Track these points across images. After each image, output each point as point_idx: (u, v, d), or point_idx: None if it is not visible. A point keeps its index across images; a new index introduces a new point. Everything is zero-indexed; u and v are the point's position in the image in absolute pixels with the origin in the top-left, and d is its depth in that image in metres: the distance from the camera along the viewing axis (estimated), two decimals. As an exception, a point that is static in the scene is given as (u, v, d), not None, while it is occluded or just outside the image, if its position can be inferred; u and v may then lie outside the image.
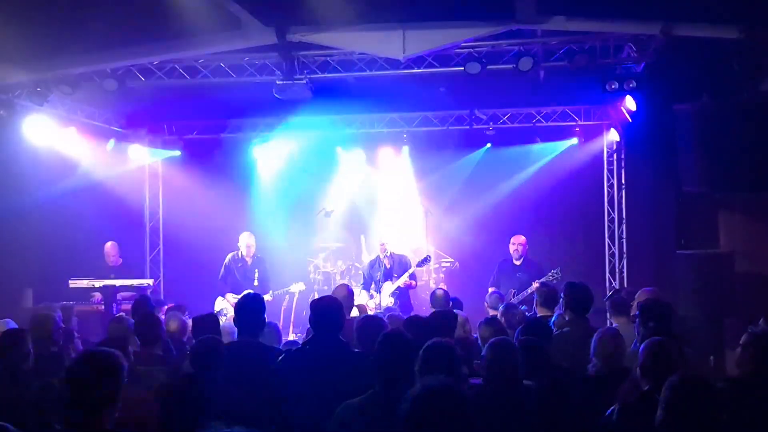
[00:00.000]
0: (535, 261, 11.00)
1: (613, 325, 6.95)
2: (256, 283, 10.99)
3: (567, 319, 6.64)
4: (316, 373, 4.75)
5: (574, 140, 12.88)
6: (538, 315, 7.43)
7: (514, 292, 10.39)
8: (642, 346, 4.51)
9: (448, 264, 12.60)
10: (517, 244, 10.96)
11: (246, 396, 4.87)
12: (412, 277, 10.83)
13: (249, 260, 11.24)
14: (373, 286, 10.88)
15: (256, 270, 11.13)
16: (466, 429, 3.03)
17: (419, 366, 4.26)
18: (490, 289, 10.30)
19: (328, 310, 5.04)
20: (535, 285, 10.16)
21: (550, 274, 10.25)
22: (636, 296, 7.32)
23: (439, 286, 11.01)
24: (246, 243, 11.28)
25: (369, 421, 3.99)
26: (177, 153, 13.54)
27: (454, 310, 7.19)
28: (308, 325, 5.55)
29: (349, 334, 5.44)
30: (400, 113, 12.78)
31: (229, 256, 11.38)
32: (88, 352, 3.80)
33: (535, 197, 13.00)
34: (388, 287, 10.61)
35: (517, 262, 10.94)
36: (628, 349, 5.61)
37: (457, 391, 3.14)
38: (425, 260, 11.15)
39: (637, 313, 6.24)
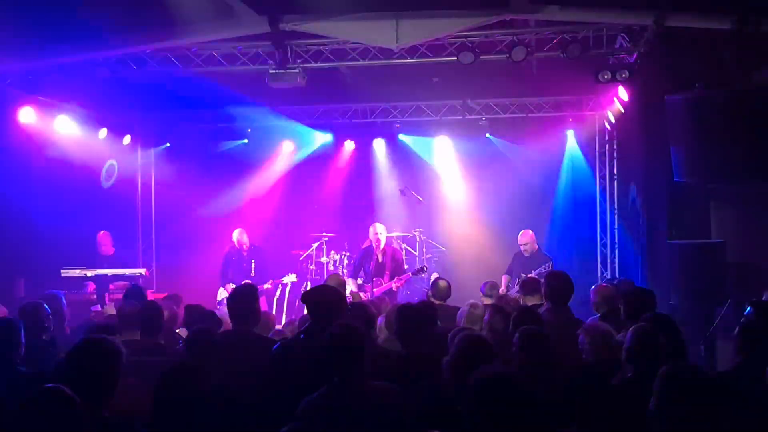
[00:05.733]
0: (546, 255, 10.97)
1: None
2: (252, 273, 11.12)
3: (546, 309, 6.67)
4: (312, 362, 4.74)
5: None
6: (529, 304, 7.44)
7: (519, 281, 10.47)
8: (629, 332, 4.54)
9: (440, 252, 12.64)
10: (523, 243, 10.95)
11: (238, 384, 4.88)
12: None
13: (244, 252, 11.36)
14: (362, 275, 10.92)
15: (252, 261, 11.25)
16: (530, 415, 3.12)
17: (453, 358, 4.28)
18: (505, 277, 10.75)
19: (327, 300, 5.04)
20: (531, 276, 10.23)
21: (542, 266, 10.30)
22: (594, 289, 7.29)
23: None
24: (236, 239, 11.46)
25: (331, 412, 4.00)
26: (167, 144, 13.58)
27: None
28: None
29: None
30: (393, 103, 12.78)
31: (228, 247, 11.57)
32: (88, 340, 3.80)
33: (526, 187, 13.03)
34: (380, 285, 10.64)
35: (527, 255, 10.96)
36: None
37: (517, 379, 3.26)
38: (421, 270, 11.16)
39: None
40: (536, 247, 10.96)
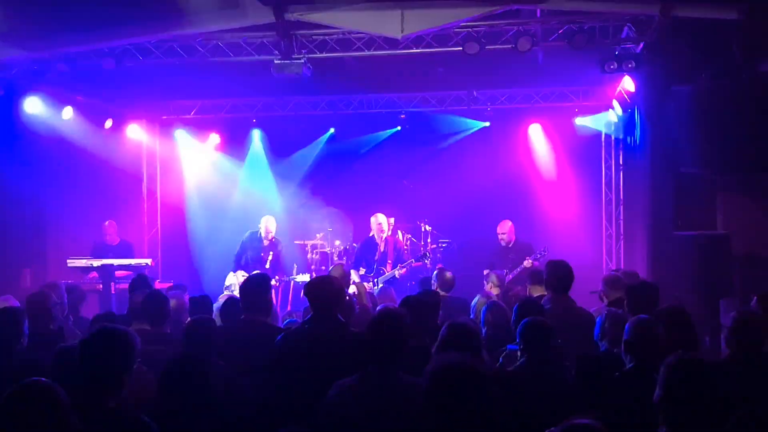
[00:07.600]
0: (525, 242, 11.08)
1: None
2: (267, 265, 11.07)
3: (548, 297, 6.65)
4: (315, 352, 4.76)
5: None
6: (534, 295, 7.43)
7: (506, 272, 10.45)
8: (627, 324, 4.55)
9: (445, 244, 12.62)
10: (501, 233, 11.09)
11: (242, 373, 4.90)
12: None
13: (266, 242, 11.31)
14: (363, 265, 10.94)
15: (271, 252, 11.20)
16: (484, 405, 3.06)
17: (438, 344, 4.27)
18: (485, 272, 10.36)
19: (327, 290, 5.05)
20: (527, 263, 10.25)
21: (538, 252, 10.35)
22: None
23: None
24: (264, 225, 11.36)
25: (362, 401, 3.95)
26: (175, 133, 13.58)
27: None
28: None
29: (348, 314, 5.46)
30: (398, 93, 12.76)
31: (248, 233, 11.49)
32: (103, 330, 3.71)
33: (533, 177, 13.03)
34: (384, 273, 10.67)
35: (504, 244, 11.04)
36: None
37: (475, 368, 3.18)
38: (423, 256, 11.19)
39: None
40: (514, 237, 11.14)
